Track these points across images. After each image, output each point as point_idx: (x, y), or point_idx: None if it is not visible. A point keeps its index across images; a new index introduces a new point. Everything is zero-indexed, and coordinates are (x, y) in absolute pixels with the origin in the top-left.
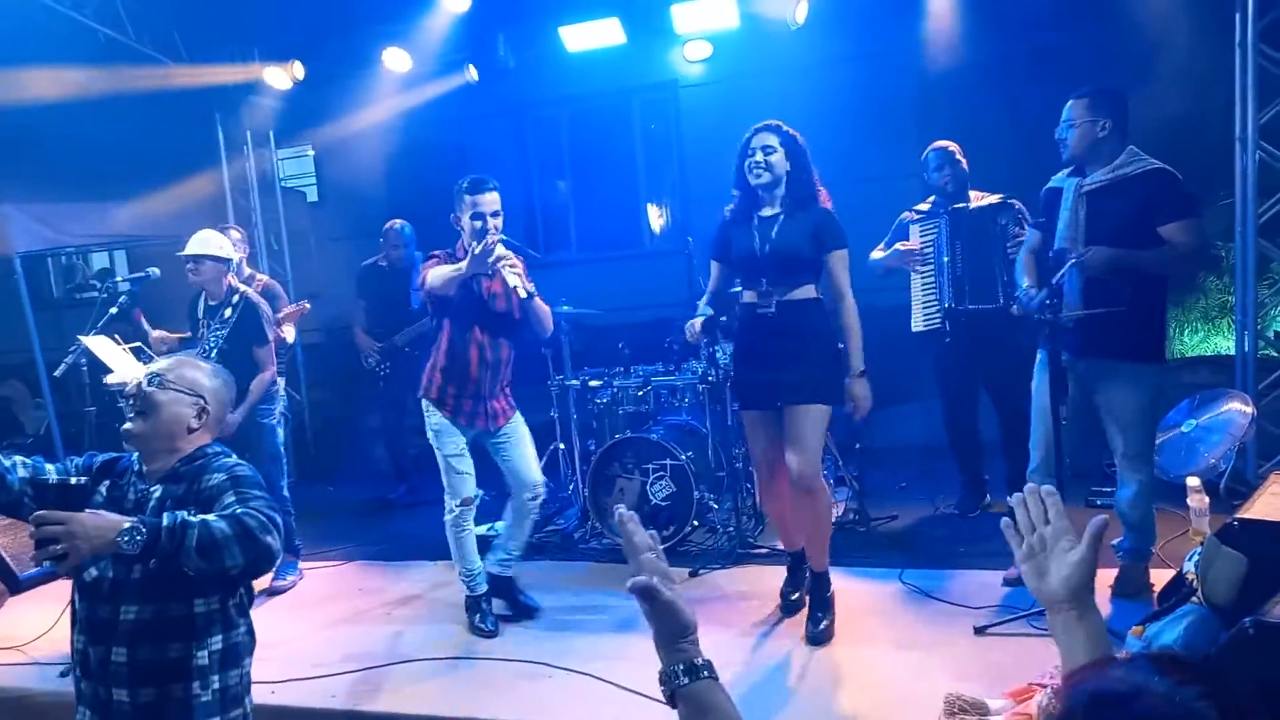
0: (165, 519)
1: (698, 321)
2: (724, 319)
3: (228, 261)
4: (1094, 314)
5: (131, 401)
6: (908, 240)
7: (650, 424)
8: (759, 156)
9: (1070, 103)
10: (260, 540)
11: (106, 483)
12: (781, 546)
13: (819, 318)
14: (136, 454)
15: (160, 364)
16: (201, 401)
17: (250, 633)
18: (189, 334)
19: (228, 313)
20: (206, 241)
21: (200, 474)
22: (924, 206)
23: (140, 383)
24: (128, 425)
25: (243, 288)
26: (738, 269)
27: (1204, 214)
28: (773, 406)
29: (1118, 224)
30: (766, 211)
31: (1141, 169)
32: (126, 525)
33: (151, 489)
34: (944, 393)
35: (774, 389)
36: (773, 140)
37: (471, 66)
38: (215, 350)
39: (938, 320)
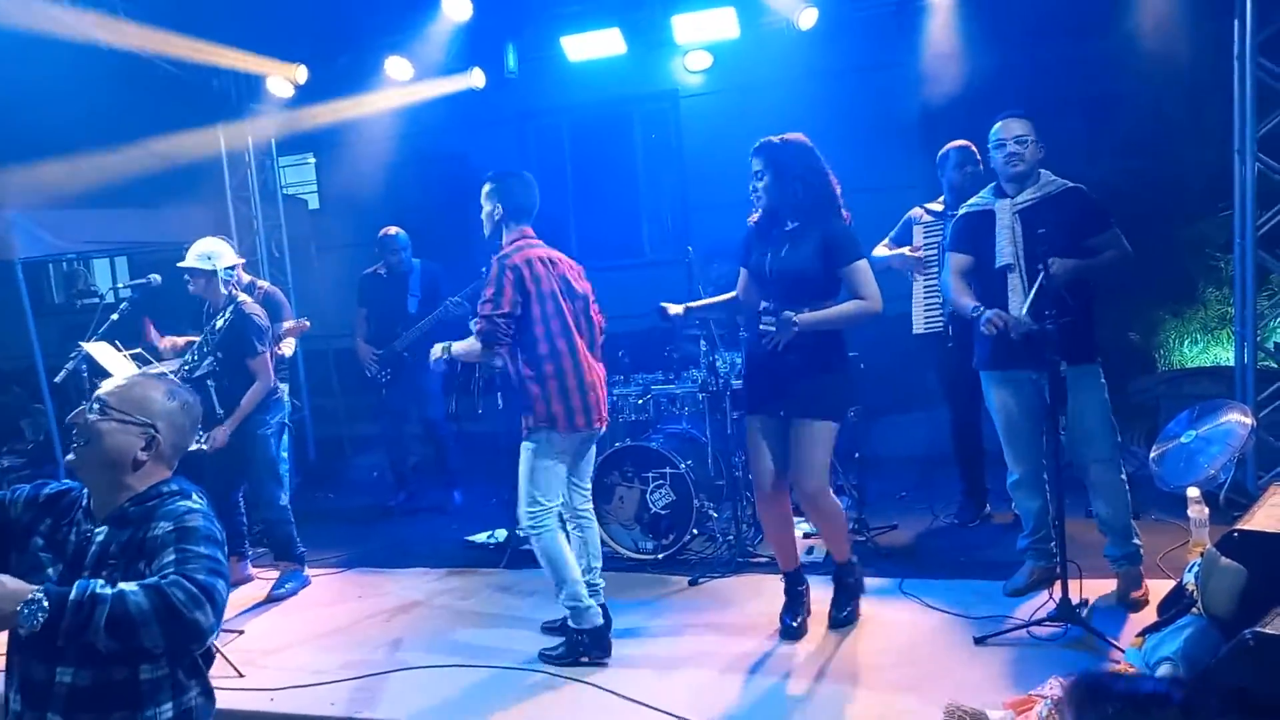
0: (74, 590)
1: (680, 308)
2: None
3: (212, 272)
4: (1060, 323)
5: (75, 431)
6: (909, 238)
7: (650, 432)
8: (753, 184)
9: (1014, 120)
10: (186, 617)
11: (49, 520)
12: None
13: (827, 335)
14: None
15: (109, 386)
16: (151, 430)
17: (206, 693)
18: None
19: (219, 322)
20: (195, 253)
21: (148, 518)
22: (935, 206)
23: (85, 409)
24: (69, 457)
25: (241, 296)
26: (752, 281)
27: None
28: (776, 414)
29: (1051, 238)
30: (787, 225)
31: (1061, 187)
32: (29, 596)
33: (96, 531)
34: (949, 399)
35: (780, 399)
36: (758, 165)
37: (478, 69)
38: (210, 359)
39: (939, 324)
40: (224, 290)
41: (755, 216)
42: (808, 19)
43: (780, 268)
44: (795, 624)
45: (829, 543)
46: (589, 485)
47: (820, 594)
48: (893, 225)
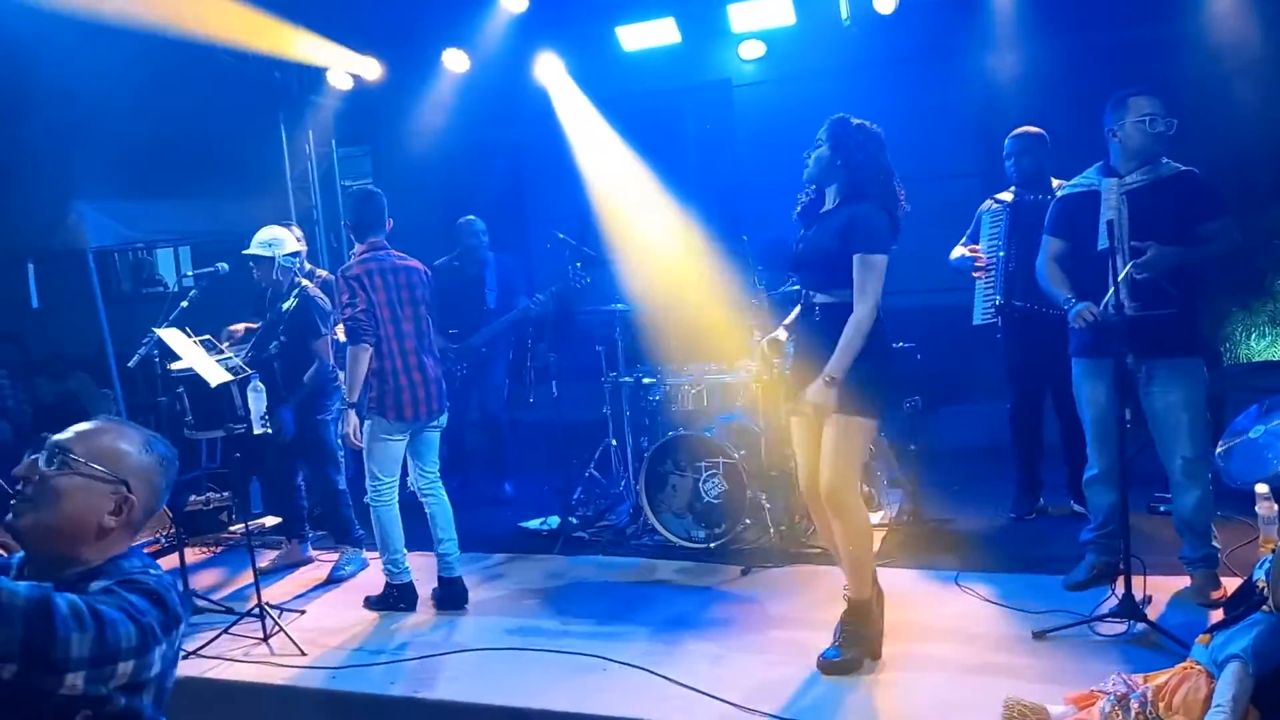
0: None
1: (781, 335)
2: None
3: (271, 259)
4: (1159, 313)
5: (21, 486)
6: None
7: (703, 422)
8: (806, 152)
9: (1152, 99)
10: (57, 632)
11: None
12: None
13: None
14: (20, 554)
15: (71, 432)
16: (123, 489)
17: None
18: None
19: (286, 305)
20: (257, 240)
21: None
22: (1004, 196)
23: (37, 459)
24: (11, 518)
25: (304, 282)
26: (794, 269)
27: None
28: (804, 412)
29: (1159, 223)
30: (825, 208)
31: (1176, 171)
32: None
33: None
34: (1011, 389)
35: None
36: (821, 134)
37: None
38: (276, 341)
39: (991, 315)
40: (283, 277)
41: (798, 210)
42: (886, 3)
43: (804, 249)
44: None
45: (843, 567)
46: (433, 468)
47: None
48: (952, 214)
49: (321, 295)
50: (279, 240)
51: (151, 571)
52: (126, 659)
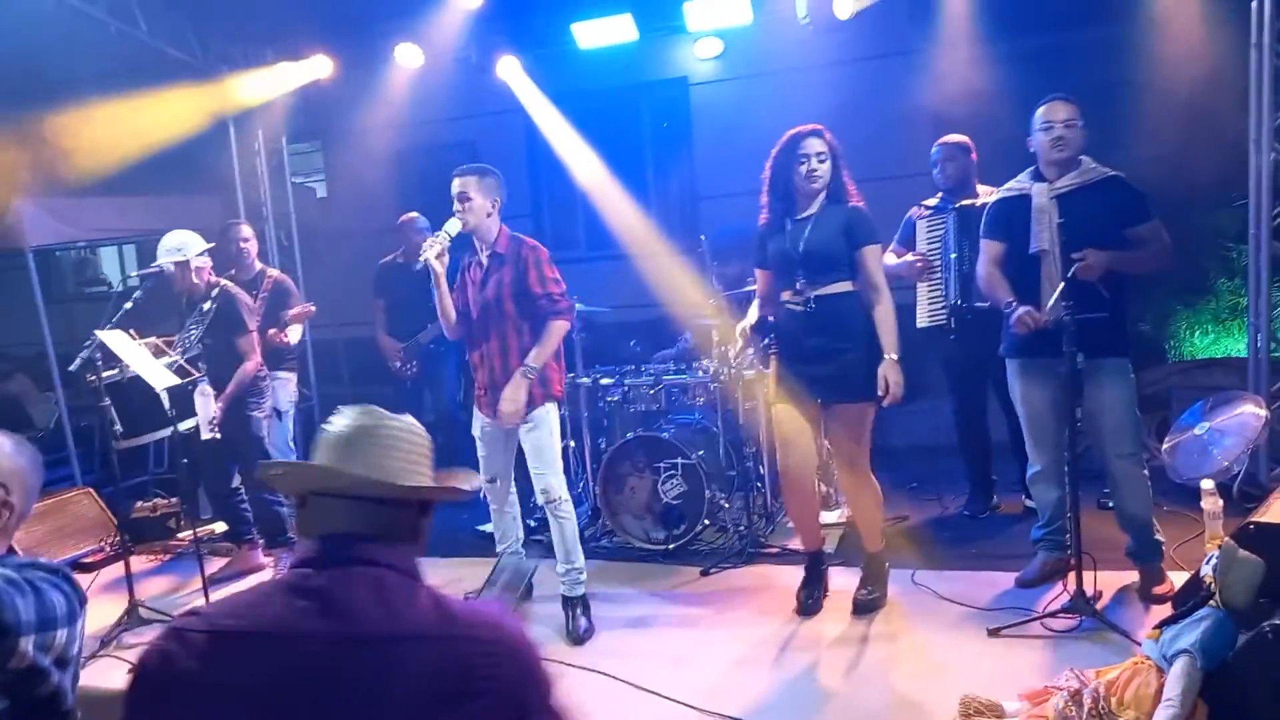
0: None
1: (749, 324)
2: (771, 319)
3: (185, 263)
4: (1093, 316)
5: None
6: (914, 236)
7: (662, 422)
8: (814, 164)
9: (1061, 103)
10: None
11: None
12: (796, 546)
13: (856, 311)
14: None
15: None
16: (2, 491)
17: None
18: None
19: (206, 306)
20: (165, 248)
21: None
22: (931, 202)
23: None
24: None
25: (222, 281)
26: (775, 272)
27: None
28: (809, 401)
29: (1088, 226)
30: (801, 214)
31: (1102, 175)
32: None
33: None
34: (954, 392)
35: (813, 385)
36: (823, 147)
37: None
38: (197, 343)
39: (943, 317)
40: (198, 278)
41: (764, 217)
42: (845, 8)
43: (809, 246)
44: (811, 600)
45: (864, 531)
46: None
47: (840, 583)
48: (903, 213)
49: (242, 293)
50: (186, 244)
51: (41, 560)
52: (61, 626)
